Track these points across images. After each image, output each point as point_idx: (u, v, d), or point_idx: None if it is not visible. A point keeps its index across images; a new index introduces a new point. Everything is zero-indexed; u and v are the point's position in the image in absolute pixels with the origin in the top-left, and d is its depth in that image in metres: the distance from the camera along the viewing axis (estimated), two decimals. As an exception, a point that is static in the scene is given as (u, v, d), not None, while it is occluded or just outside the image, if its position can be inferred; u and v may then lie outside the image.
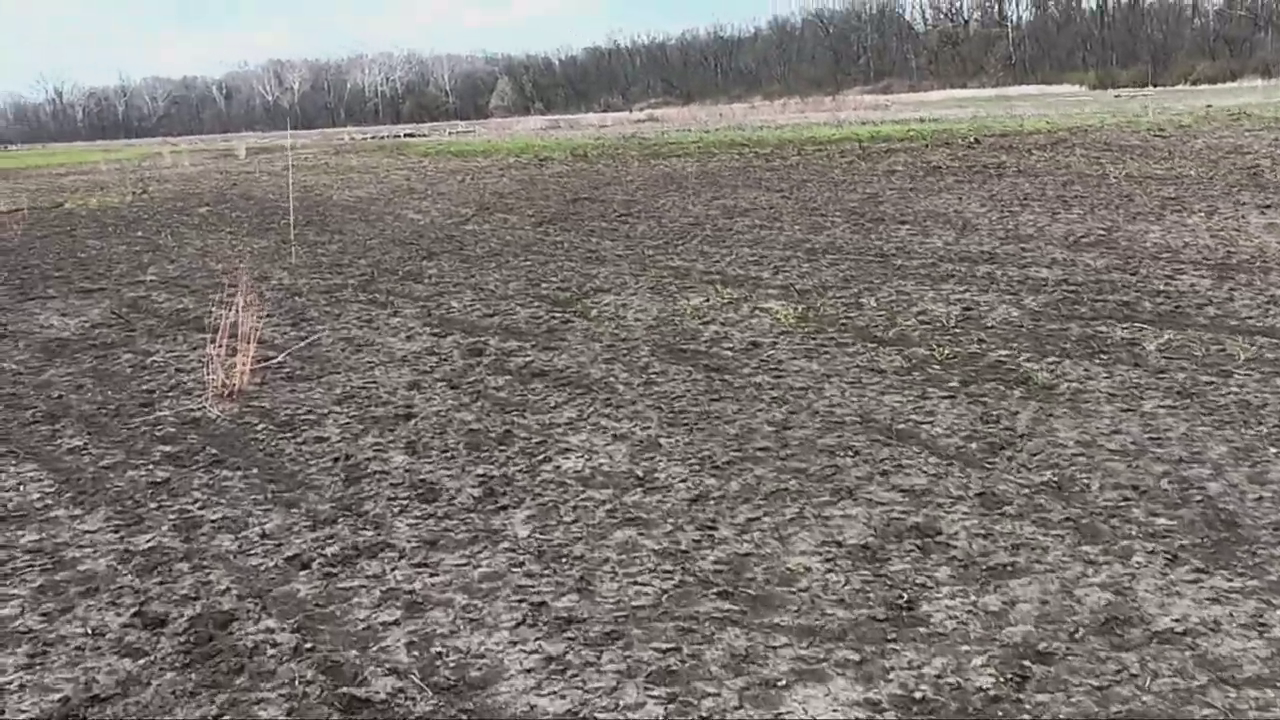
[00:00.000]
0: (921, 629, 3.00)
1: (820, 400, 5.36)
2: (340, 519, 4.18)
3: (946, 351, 6.15)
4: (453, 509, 4.21)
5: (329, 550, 3.87)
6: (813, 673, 2.83)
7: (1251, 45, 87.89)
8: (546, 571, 3.56)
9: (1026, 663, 2.80)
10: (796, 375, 5.88)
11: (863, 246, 10.29)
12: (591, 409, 5.49)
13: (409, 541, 3.91)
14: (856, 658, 2.88)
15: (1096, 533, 3.59)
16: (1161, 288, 7.62)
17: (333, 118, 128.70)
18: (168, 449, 5.27)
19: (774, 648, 2.96)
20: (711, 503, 4.07)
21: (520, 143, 36.92)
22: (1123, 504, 3.82)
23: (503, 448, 4.95)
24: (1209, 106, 32.87)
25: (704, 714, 2.67)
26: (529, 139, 40.38)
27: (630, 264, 10.16)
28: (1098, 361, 5.80)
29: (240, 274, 10.28)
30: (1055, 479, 4.10)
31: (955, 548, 3.52)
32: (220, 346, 6.33)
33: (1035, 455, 4.36)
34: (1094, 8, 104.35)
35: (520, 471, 4.60)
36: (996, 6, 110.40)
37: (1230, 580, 3.19)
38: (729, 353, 6.51)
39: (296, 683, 2.96)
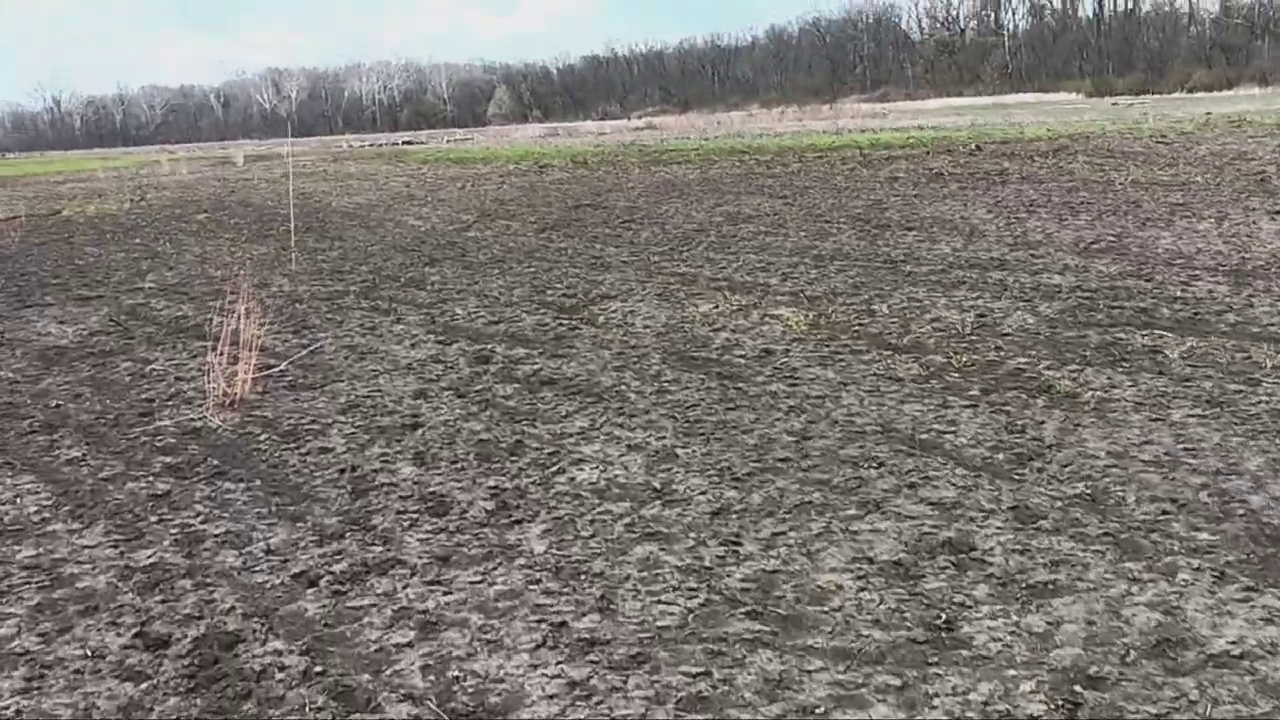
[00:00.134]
0: (964, 651, 2.86)
1: (838, 409, 5.23)
2: (348, 533, 4.04)
3: (964, 359, 6.02)
4: (465, 523, 4.07)
5: (337, 567, 3.73)
6: (852, 699, 2.69)
7: (1248, 53, 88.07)
8: (565, 589, 3.41)
9: (1078, 688, 2.66)
10: (812, 383, 5.74)
11: (870, 253, 10.17)
12: (604, 418, 5.35)
13: (420, 557, 3.76)
14: (898, 683, 2.74)
15: (1137, 548, 3.45)
16: (1178, 294, 7.50)
17: (330, 126, 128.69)
18: (168, 460, 5.12)
19: (809, 672, 2.82)
20: (734, 516, 3.93)
21: (519, 150, 36.83)
22: (1162, 518, 3.68)
23: (514, 458, 4.80)
24: (1208, 113, 32.83)
25: (740, 743, 2.53)
26: (528, 146, 40.29)
27: (636, 270, 10.03)
28: (1120, 369, 5.67)
29: (240, 281, 10.14)
30: (1089, 491, 3.96)
31: (991, 564, 3.38)
32: (221, 354, 6.18)
33: (1066, 466, 4.22)
34: (1090, 16, 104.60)
35: (533, 483, 4.45)
36: (993, 15, 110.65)
37: (1282, 598, 3.05)
38: (742, 360, 6.38)
39: (307, 709, 2.81)
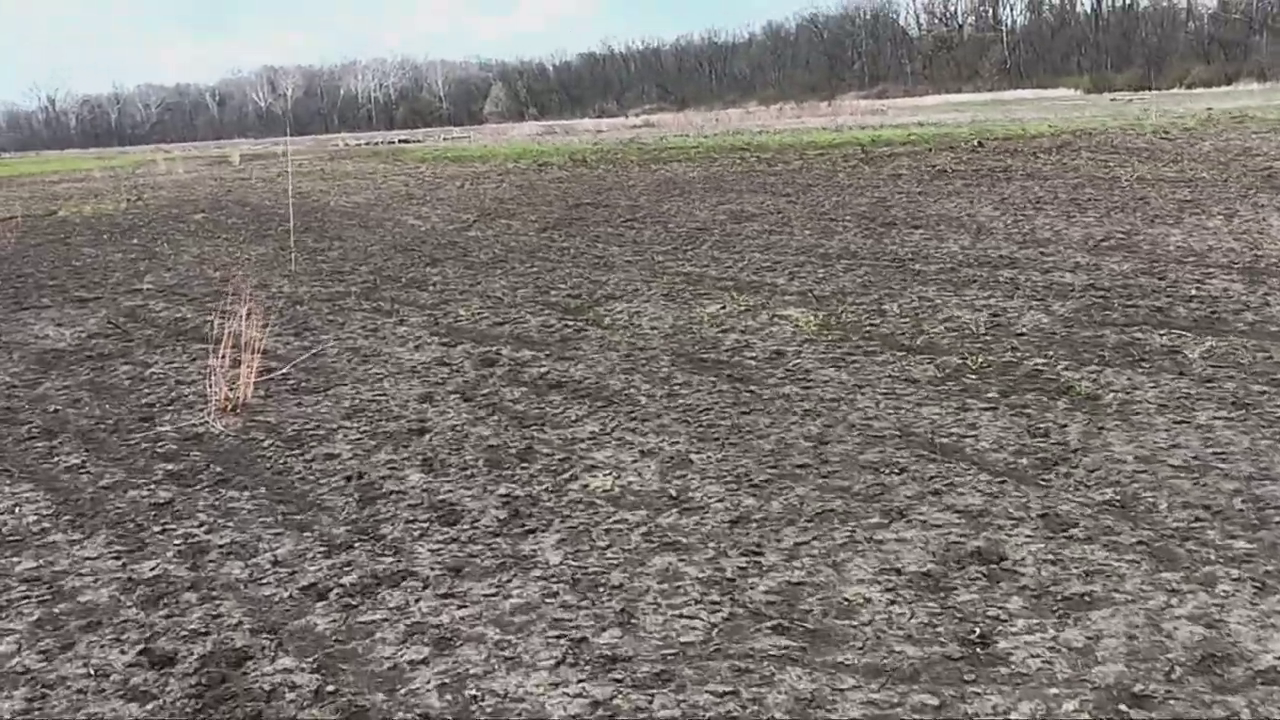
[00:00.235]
0: (1002, 668, 2.76)
1: (855, 412, 5.12)
2: (357, 544, 3.93)
3: (980, 360, 5.92)
4: (477, 532, 3.96)
5: (347, 579, 3.62)
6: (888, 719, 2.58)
7: (1246, 48, 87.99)
8: (584, 603, 3.30)
9: (1123, 707, 2.56)
10: (826, 386, 5.63)
11: (877, 251, 10.06)
12: (615, 422, 5.24)
13: (432, 569, 3.65)
14: (935, 702, 2.63)
15: (1173, 557, 3.35)
16: (1193, 292, 7.39)
17: (326, 124, 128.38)
18: (170, 467, 5.00)
19: (842, 690, 2.71)
20: (753, 525, 3.82)
21: (517, 148, 36.69)
22: (1196, 525, 3.58)
23: (525, 465, 4.69)
24: (1209, 109, 32.74)
25: (773, 768, 2.42)
26: (526, 144, 40.14)
27: (640, 270, 9.92)
28: (1140, 370, 5.56)
29: (240, 282, 10.01)
30: (1118, 498, 3.86)
31: (1024, 575, 3.27)
32: (222, 357, 6.07)
33: (1093, 472, 4.12)
34: (1088, 11, 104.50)
35: (546, 491, 4.34)
36: (991, 10, 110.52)
37: (1328, 611, 2.95)
38: (753, 362, 6.27)
39: (320, 731, 2.71)
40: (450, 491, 4.42)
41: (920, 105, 68.94)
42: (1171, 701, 2.58)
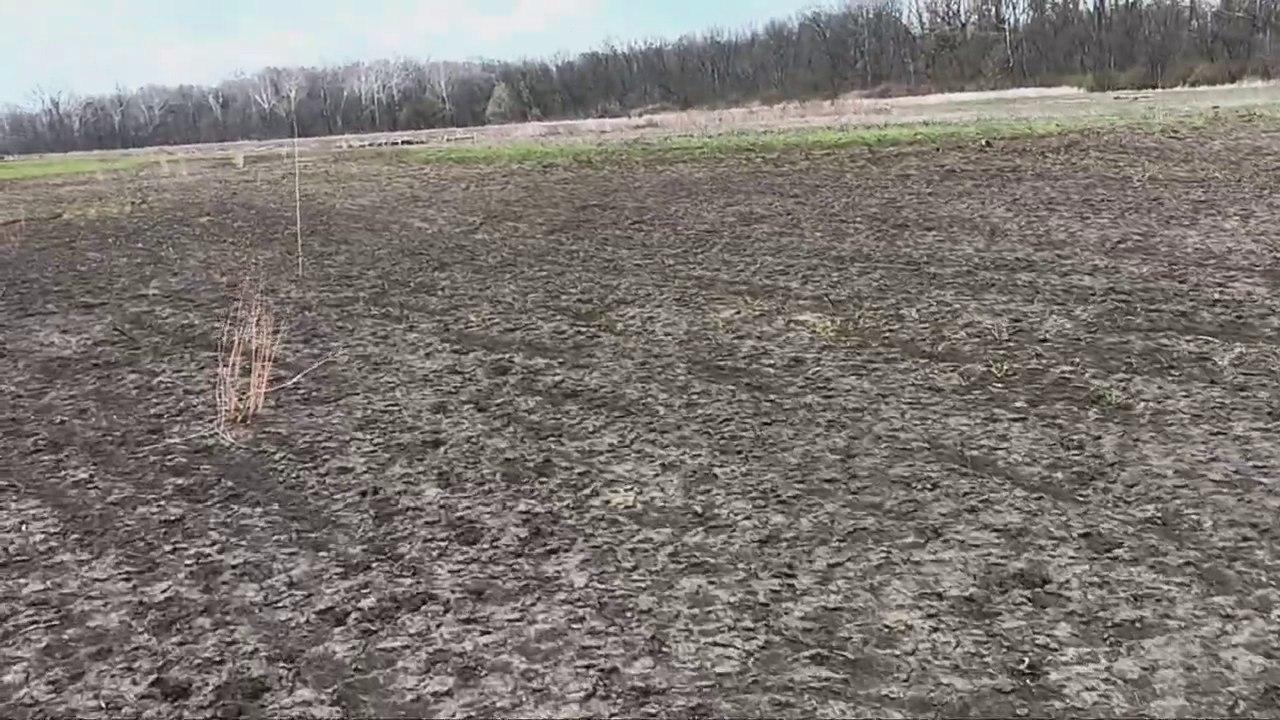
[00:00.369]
0: (1056, 702, 2.63)
1: (880, 423, 5.00)
2: (374, 564, 3.81)
3: (1005, 367, 5.79)
4: (497, 552, 3.84)
5: (365, 602, 3.50)
6: (939, 758, 2.46)
7: (1250, 46, 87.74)
8: (612, 629, 3.18)
9: (1188, 745, 2.43)
10: (849, 395, 5.51)
11: (891, 254, 9.93)
12: (634, 434, 5.12)
13: (453, 591, 3.54)
14: (988, 739, 2.51)
15: (1223, 580, 3.22)
16: (1217, 296, 7.26)
17: (329, 125, 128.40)
18: (180, 481, 4.89)
19: (888, 725, 2.59)
20: (784, 544, 3.70)
21: (521, 149, 36.59)
22: (1244, 545, 3.45)
23: (543, 479, 4.57)
24: (1216, 108, 32.57)
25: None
26: (530, 145, 40.04)
27: (650, 274, 9.80)
28: (1170, 378, 5.44)
29: (247, 287, 9.91)
30: (1160, 515, 3.73)
31: (1070, 600, 3.15)
32: (231, 366, 5.95)
33: (1132, 487, 3.99)
34: (1091, 10, 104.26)
35: (566, 507, 4.22)
36: (993, 9, 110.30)
37: (1392, 638, 2.82)
38: (771, 370, 6.15)
39: (342, 770, 2.59)
40: (468, 508, 4.30)
41: (923, 104, 68.78)
42: (1238, 739, 2.46)
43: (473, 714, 2.80)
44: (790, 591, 3.32)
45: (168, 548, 4.10)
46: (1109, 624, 2.99)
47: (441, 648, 3.16)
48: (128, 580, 3.81)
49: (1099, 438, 4.58)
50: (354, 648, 3.20)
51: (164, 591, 3.69)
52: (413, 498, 4.47)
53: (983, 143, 22.59)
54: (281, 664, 3.13)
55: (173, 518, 4.42)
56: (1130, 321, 6.70)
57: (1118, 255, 9.06)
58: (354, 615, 3.41)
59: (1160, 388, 5.28)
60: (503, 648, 3.13)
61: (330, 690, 2.97)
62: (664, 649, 3.04)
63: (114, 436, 5.71)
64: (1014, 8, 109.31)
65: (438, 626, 3.29)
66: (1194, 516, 3.69)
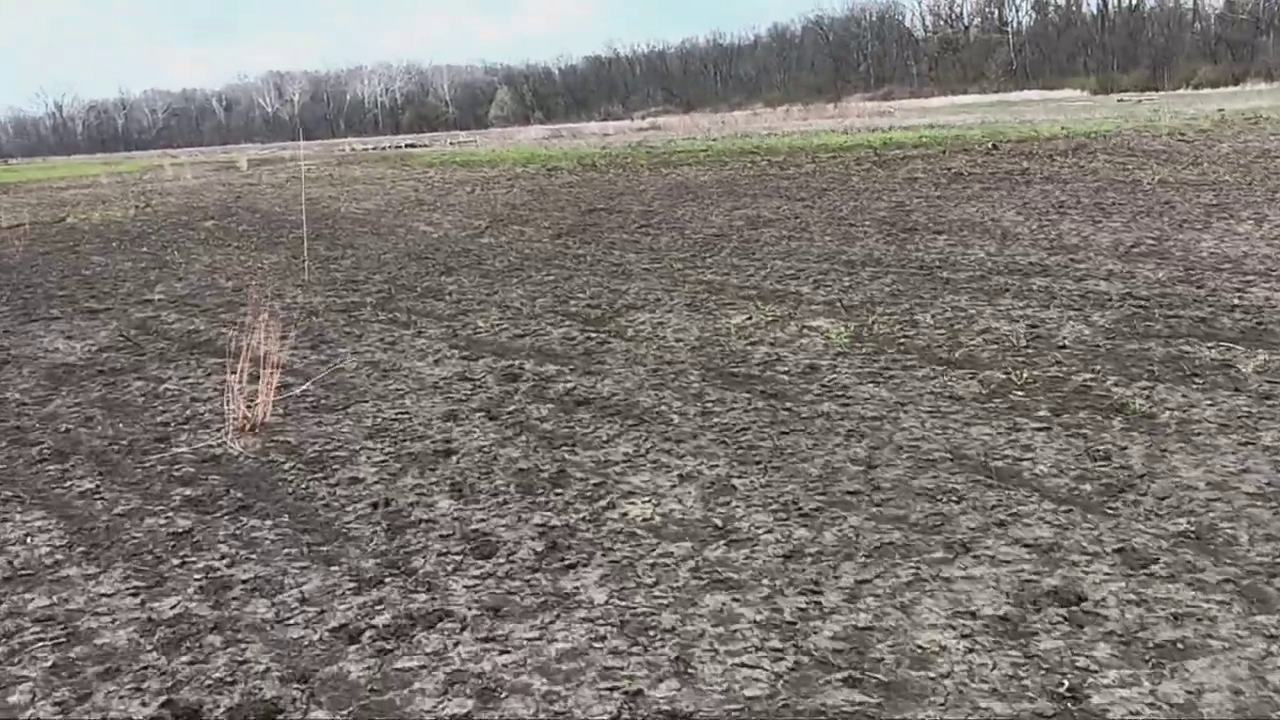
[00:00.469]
0: (1100, 728, 2.54)
1: (900, 432, 4.90)
2: (387, 578, 3.72)
3: (1024, 375, 5.70)
4: (514, 566, 3.75)
5: (379, 619, 3.41)
6: (982, 788, 2.37)
7: (1253, 49, 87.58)
8: (635, 649, 3.09)
9: (1241, 775, 2.34)
10: (867, 403, 5.42)
11: (902, 258, 9.84)
12: (649, 443, 5.03)
13: (469, 608, 3.44)
14: (1031, 768, 2.42)
15: (1264, 598, 3.13)
16: (1236, 302, 7.17)
17: (332, 129, 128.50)
18: (188, 492, 4.80)
19: (926, 753, 2.50)
20: (808, 560, 3.60)
21: (525, 152, 36.53)
22: (1283, 560, 3.35)
23: (558, 491, 4.48)
24: (1221, 110, 32.48)
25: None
26: (533, 148, 39.99)
27: (659, 278, 9.71)
28: (1194, 386, 5.34)
29: (253, 292, 9.83)
30: (1193, 529, 3.64)
31: (1108, 618, 3.05)
32: (238, 373, 5.86)
33: (1163, 500, 3.90)
34: (1094, 12, 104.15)
35: (583, 520, 4.13)
36: (996, 12, 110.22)
37: None
38: (786, 377, 6.06)
39: (360, 799, 2.50)
40: (483, 520, 4.21)
41: (927, 107, 68.69)
42: (1293, 769, 2.36)
43: (494, 739, 2.71)
44: (818, 609, 3.23)
45: (176, 561, 4.01)
46: (1150, 644, 2.90)
47: (459, 668, 3.07)
48: (135, 595, 3.72)
49: (1125, 448, 4.49)
50: (369, 667, 3.11)
51: (173, 607, 3.60)
52: (425, 509, 4.38)
53: (989, 145, 22.49)
54: (295, 685, 3.04)
55: (181, 530, 4.33)
56: (1149, 328, 6.60)
57: (1132, 260, 8.97)
58: (368, 633, 3.32)
59: (1185, 396, 5.18)
60: (522, 668, 3.04)
61: (346, 712, 2.88)
62: (689, 670, 2.95)
63: (120, 445, 5.63)
64: (1017, 10, 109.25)
65: (455, 645, 3.20)
66: (1229, 531, 3.60)
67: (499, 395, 6.12)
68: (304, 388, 6.41)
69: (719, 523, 3.99)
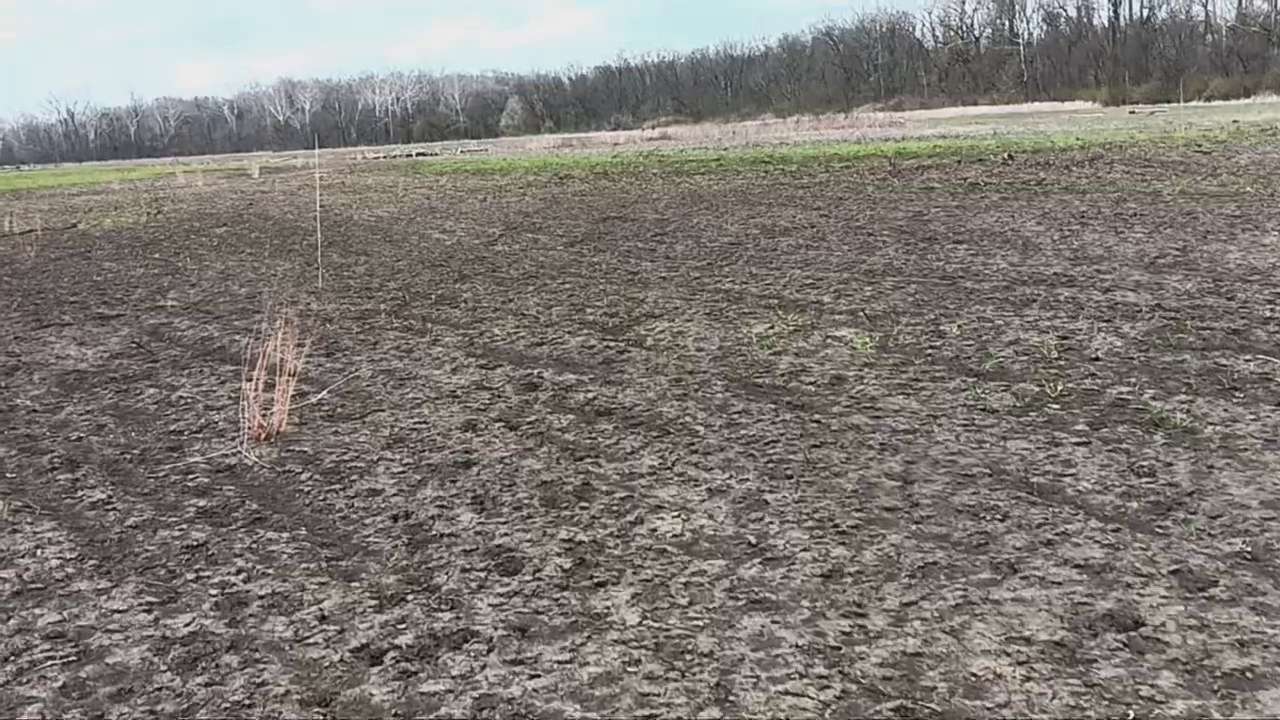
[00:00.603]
0: (1173, 766, 2.39)
1: (935, 446, 4.76)
2: (409, 596, 3.59)
3: (1059, 388, 5.54)
4: (541, 584, 3.61)
5: (402, 639, 3.27)
6: (1051, 829, 2.22)
7: (1265, 61, 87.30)
8: (672, 674, 2.95)
9: (1330, 819, 2.19)
10: (897, 415, 5.27)
11: (923, 268, 9.70)
12: (674, 455, 4.89)
13: (496, 628, 3.31)
14: (1103, 808, 2.27)
15: (1334, 624, 2.97)
16: (1268, 314, 7.00)
17: (344, 137, 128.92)
18: (202, 503, 4.68)
19: (989, 790, 2.35)
20: (848, 580, 3.46)
21: (537, 161, 36.50)
22: (1349, 585, 3.20)
23: (584, 505, 4.34)
24: (1236, 122, 32.30)
25: None
26: (545, 157, 39.97)
27: (677, 286, 9.58)
28: (1234, 400, 5.18)
29: (266, 299, 9.73)
30: (1250, 550, 3.48)
31: (1169, 645, 2.90)
32: (252, 381, 5.74)
33: (1215, 518, 3.75)
34: (1105, 24, 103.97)
35: (611, 536, 3.99)
36: (1007, 23, 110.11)
37: None
38: (812, 388, 5.92)
39: (388, 834, 2.36)
40: (506, 535, 4.07)
41: (937, 117, 68.60)
42: (1386, 812, 2.21)
43: (527, 769, 2.57)
44: (863, 634, 3.08)
45: (190, 576, 3.88)
46: (1217, 673, 2.75)
47: (488, 692, 2.93)
48: (149, 611, 3.59)
49: (1170, 464, 4.33)
50: (393, 691, 2.97)
51: (187, 625, 3.47)
52: (447, 523, 4.25)
53: (1005, 156, 22.35)
54: (316, 709, 2.90)
55: (195, 543, 4.21)
56: (1182, 340, 6.44)
57: (1159, 271, 8.81)
58: (391, 654, 3.18)
59: (1226, 410, 5.02)
60: (554, 693, 2.90)
61: (370, 739, 2.74)
62: (731, 697, 2.80)
63: (133, 454, 5.51)
64: (1028, 22, 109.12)
65: (482, 668, 3.06)
66: (1289, 552, 3.44)
67: (518, 405, 5.99)
68: (320, 396, 6.29)
69: (753, 539, 3.85)
